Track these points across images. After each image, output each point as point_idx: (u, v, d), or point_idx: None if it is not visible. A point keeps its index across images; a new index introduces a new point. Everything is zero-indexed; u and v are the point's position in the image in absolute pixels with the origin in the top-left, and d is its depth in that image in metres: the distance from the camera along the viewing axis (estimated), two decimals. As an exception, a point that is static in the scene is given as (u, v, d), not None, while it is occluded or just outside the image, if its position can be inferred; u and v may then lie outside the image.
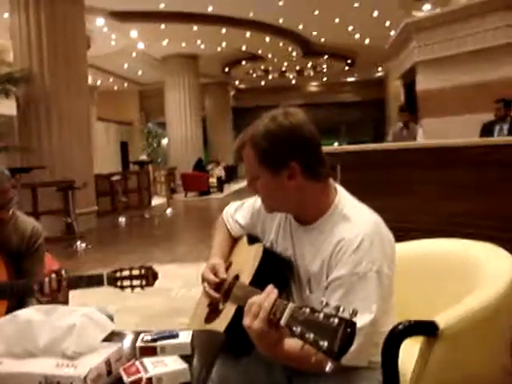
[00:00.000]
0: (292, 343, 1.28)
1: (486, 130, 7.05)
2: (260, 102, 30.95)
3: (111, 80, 23.49)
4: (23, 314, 1.55)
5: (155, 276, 2.16)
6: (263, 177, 1.61)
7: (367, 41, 19.69)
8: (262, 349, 1.35)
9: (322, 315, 1.12)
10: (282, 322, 1.22)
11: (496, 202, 4.24)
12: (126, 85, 25.31)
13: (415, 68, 10.17)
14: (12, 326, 1.51)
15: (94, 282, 2.18)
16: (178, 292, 5.32)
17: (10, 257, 2.31)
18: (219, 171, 20.22)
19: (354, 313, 1.10)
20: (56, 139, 9.91)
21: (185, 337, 1.56)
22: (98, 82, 22.41)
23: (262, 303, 1.30)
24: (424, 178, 4.67)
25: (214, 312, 1.82)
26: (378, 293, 1.50)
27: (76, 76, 10.32)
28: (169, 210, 13.35)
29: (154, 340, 1.54)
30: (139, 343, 1.54)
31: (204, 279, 1.85)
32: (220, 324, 1.70)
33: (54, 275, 2.11)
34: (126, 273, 2.16)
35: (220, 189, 19.78)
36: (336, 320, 1.08)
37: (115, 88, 25.47)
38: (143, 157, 20.66)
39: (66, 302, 2.18)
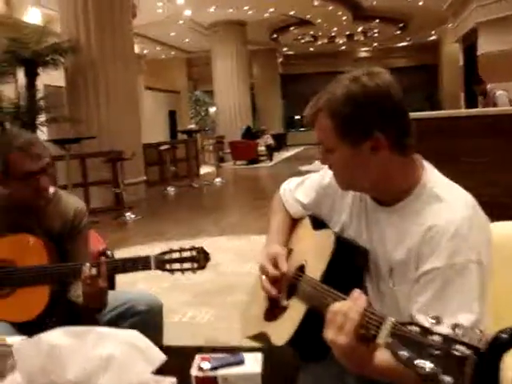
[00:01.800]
0: (387, 357, 1.02)
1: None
2: (308, 68, 30.51)
3: (158, 49, 23.35)
4: (49, 337, 1.28)
5: (207, 258, 2.01)
6: (341, 150, 1.36)
7: (421, 2, 18.86)
8: (348, 366, 1.12)
9: (438, 338, 0.87)
10: (380, 340, 0.98)
11: None
12: (173, 53, 25.15)
13: (476, 30, 9.55)
14: (35, 352, 1.24)
15: (140, 265, 2.02)
16: (228, 267, 5.14)
17: (53, 239, 2.14)
18: (268, 139, 19.92)
19: (482, 337, 0.85)
20: (104, 109, 9.85)
21: (253, 363, 1.31)
22: (145, 51, 22.30)
23: (348, 313, 1.07)
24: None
25: (275, 308, 1.58)
26: (478, 288, 1.24)
27: (122, 45, 10.20)
28: (217, 180, 13.21)
29: (214, 368, 1.28)
30: (195, 372, 1.30)
31: (262, 270, 1.61)
32: (285, 325, 1.46)
33: (88, 265, 1.93)
34: (175, 255, 2.00)
35: (269, 157, 19.52)
36: (462, 348, 0.83)
37: (162, 57, 25.35)
38: (191, 125, 20.55)
39: (108, 287, 2.00)
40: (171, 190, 11.54)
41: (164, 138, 22.32)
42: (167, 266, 2.00)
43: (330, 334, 1.10)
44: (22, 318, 2.02)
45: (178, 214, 8.93)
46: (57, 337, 1.26)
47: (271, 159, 19.46)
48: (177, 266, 2.00)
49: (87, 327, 1.30)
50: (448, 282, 1.24)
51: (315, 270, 1.46)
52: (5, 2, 13.53)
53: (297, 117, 33.98)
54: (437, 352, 0.85)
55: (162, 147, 12.29)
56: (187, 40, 22.91)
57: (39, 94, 10.13)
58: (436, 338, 0.87)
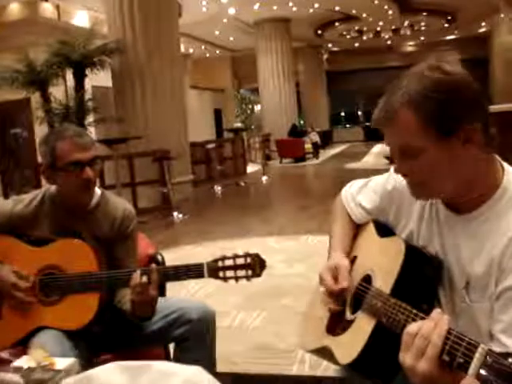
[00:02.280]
0: None
1: None
2: (354, 64, 30.16)
3: (203, 47, 23.41)
4: (99, 374, 1.15)
5: (263, 265, 1.92)
6: (428, 150, 1.19)
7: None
8: None
9: None
10: (470, 372, 0.84)
11: None
12: (218, 52, 25.18)
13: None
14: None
15: (193, 273, 1.92)
16: (278, 268, 5.03)
17: (100, 243, 2.07)
18: (314, 136, 19.73)
19: None
20: (151, 109, 9.88)
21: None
22: (190, 50, 22.39)
23: (429, 336, 0.94)
24: None
25: (339, 321, 1.46)
26: None
27: (168, 45, 10.22)
28: (264, 178, 13.12)
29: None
30: None
31: (321, 281, 1.48)
32: (352, 342, 1.33)
33: (139, 272, 1.85)
34: (228, 262, 1.91)
35: (315, 154, 19.33)
36: None
37: (207, 55, 25.41)
38: (238, 124, 20.55)
39: (158, 294, 1.91)
40: (218, 188, 11.51)
41: (210, 136, 22.35)
42: (221, 274, 1.92)
43: (408, 359, 0.97)
44: (70, 326, 1.95)
45: (226, 213, 8.87)
46: (109, 374, 1.13)
47: (317, 157, 19.27)
48: (230, 273, 1.91)
49: (145, 362, 1.16)
50: None
51: (383, 281, 1.34)
52: (54, 7, 13.79)
53: (342, 113, 33.68)
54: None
55: (209, 146, 12.28)
56: (232, 38, 22.89)
57: (87, 95, 10.23)
58: None
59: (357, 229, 1.62)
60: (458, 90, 1.17)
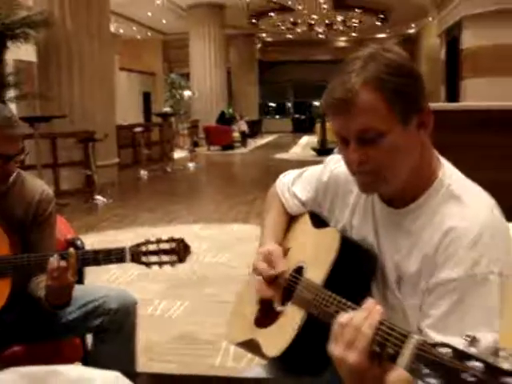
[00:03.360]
0: (400, 379, 0.85)
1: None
2: (287, 56, 30.34)
3: (134, 29, 22.86)
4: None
5: (187, 250, 1.84)
6: (390, 132, 1.13)
7: (403, -6, 18.77)
8: None
9: (479, 365, 0.70)
10: (401, 362, 0.80)
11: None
12: (149, 34, 24.68)
13: (460, 24, 9.42)
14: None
15: (114, 257, 1.83)
16: (203, 257, 4.95)
17: (14, 227, 1.91)
18: (243, 125, 19.71)
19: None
20: (77, 88, 9.51)
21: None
22: (121, 31, 21.82)
23: (360, 326, 0.89)
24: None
25: (268, 313, 1.40)
26: (499, 303, 1.09)
27: (98, 22, 9.86)
28: (191, 164, 12.99)
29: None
30: None
31: (255, 270, 1.41)
32: (280, 335, 1.28)
33: (57, 256, 1.72)
34: (152, 247, 1.82)
35: (244, 143, 19.34)
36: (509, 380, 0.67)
37: (138, 37, 24.85)
38: (167, 108, 20.21)
39: (77, 281, 1.79)
40: (144, 173, 11.27)
41: (138, 120, 21.92)
42: (144, 259, 1.82)
43: (337, 349, 0.92)
44: (-23, 315, 1.80)
45: (151, 198, 8.69)
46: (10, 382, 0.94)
47: (246, 146, 19.28)
48: (154, 258, 1.82)
49: (51, 368, 1.00)
50: (465, 295, 1.08)
51: (316, 272, 1.29)
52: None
53: (272, 104, 33.87)
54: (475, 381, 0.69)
55: (136, 129, 12.00)
56: (164, 21, 22.48)
57: (8, 69, 9.72)
58: (476, 364, 0.70)
59: (291, 219, 1.56)
60: (412, 72, 1.15)
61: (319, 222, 1.44)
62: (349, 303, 1.09)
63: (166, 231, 6.00)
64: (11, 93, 9.62)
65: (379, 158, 1.15)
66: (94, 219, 6.99)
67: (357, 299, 1.09)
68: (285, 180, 1.61)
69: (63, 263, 1.72)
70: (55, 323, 1.99)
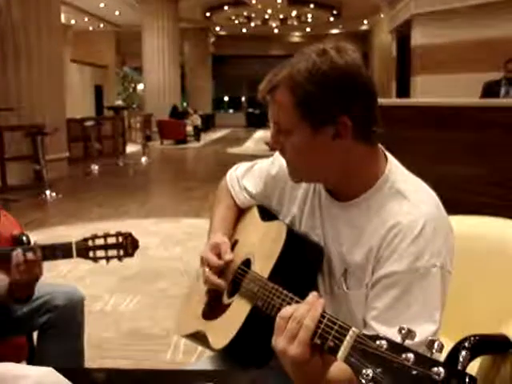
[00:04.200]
0: (343, 374, 0.88)
1: (489, 91, 6.52)
2: (240, 50, 30.35)
3: (86, 20, 22.45)
4: None
5: (135, 244, 1.84)
6: (299, 132, 1.18)
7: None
8: (296, 380, 0.95)
9: (411, 356, 0.73)
10: (340, 354, 0.83)
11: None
12: (101, 26, 24.27)
13: (411, 21, 9.60)
14: None
15: (61, 252, 1.81)
16: (154, 251, 4.91)
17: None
18: (196, 119, 19.61)
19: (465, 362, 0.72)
20: (25, 79, 9.25)
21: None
22: (72, 22, 21.40)
23: (302, 319, 0.91)
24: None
25: (215, 305, 1.41)
26: (440, 296, 1.13)
27: (47, 11, 9.59)
28: (144, 159, 12.86)
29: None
30: None
31: (204, 261, 1.42)
32: (226, 327, 1.29)
33: (20, 250, 1.70)
34: (99, 241, 1.82)
35: (197, 137, 19.25)
36: (441, 371, 0.70)
37: (90, 29, 24.42)
38: (119, 102, 19.95)
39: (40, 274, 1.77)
40: (95, 167, 11.07)
41: (89, 113, 21.56)
42: (91, 254, 1.81)
43: (279, 342, 0.93)
44: None
45: (102, 193, 8.54)
46: None
47: (199, 140, 19.20)
48: (101, 253, 1.82)
49: None
50: (409, 287, 1.11)
51: (262, 265, 1.30)
52: None
53: (226, 98, 33.83)
54: (412, 375, 0.72)
55: (87, 123, 11.78)
56: (117, 13, 22.15)
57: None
58: (409, 355, 0.73)
59: (240, 213, 1.57)
60: (338, 80, 1.14)
61: (268, 215, 1.45)
62: (293, 296, 1.10)
63: (116, 226, 5.86)
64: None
65: (288, 150, 1.23)
66: (44, 215, 6.84)
67: (303, 291, 1.10)
68: (235, 173, 1.61)
69: (31, 256, 1.70)
70: (0, 321, 1.94)
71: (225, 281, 1.39)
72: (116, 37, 26.65)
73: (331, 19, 24.84)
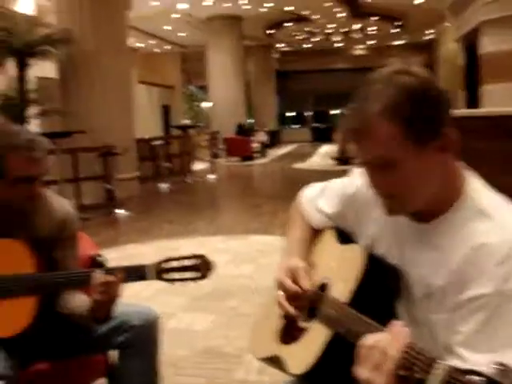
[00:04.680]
0: None
1: None
2: (304, 65, 30.38)
3: (152, 42, 23.09)
4: None
5: (209, 266, 1.88)
6: (406, 161, 1.11)
7: (418, 1, 18.67)
8: None
9: None
10: None
11: None
12: (167, 47, 24.89)
13: (479, 29, 9.32)
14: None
15: (138, 274, 1.83)
16: (224, 269, 4.93)
17: (39, 246, 1.92)
18: (262, 136, 19.72)
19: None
20: (97, 103, 9.61)
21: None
22: (139, 45, 22.03)
23: (387, 349, 0.88)
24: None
25: (292, 329, 1.39)
26: None
27: (117, 37, 10.01)
28: (211, 176, 13.02)
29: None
30: None
31: (279, 285, 1.40)
32: (304, 352, 1.27)
33: (100, 271, 1.78)
34: (174, 263, 1.86)
35: (263, 154, 19.34)
36: None
37: (156, 51, 25.08)
38: (186, 121, 20.31)
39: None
40: (164, 186, 11.32)
41: (157, 133, 22.06)
42: (166, 276, 1.86)
43: (363, 372, 0.91)
44: (2, 334, 1.81)
45: (171, 211, 8.71)
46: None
47: (265, 156, 19.28)
48: (176, 275, 1.86)
49: None
50: (497, 311, 1.06)
51: (341, 290, 1.27)
52: (-4, -8, 13.28)
53: (290, 114, 33.88)
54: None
55: (156, 142, 12.07)
56: (182, 34, 22.66)
57: (30, 86, 9.87)
58: None
59: (316, 234, 1.54)
60: (429, 93, 1.11)
61: (344, 237, 1.43)
62: (375, 324, 1.08)
63: (186, 244, 6.04)
64: (34, 109, 9.77)
65: (395, 184, 1.15)
66: (115, 233, 7.02)
67: (382, 317, 1.08)
68: (309, 193, 1.59)
69: (110, 278, 1.74)
70: (80, 340, 2.00)
71: (300, 306, 1.37)
72: (181, 57, 27.25)
73: (394, 30, 24.52)
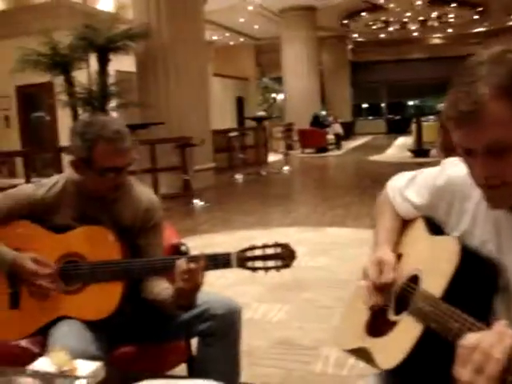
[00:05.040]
0: None
1: None
2: (379, 56, 29.83)
3: (227, 35, 23.28)
4: None
5: (293, 255, 1.87)
6: None
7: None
8: None
9: None
10: None
11: None
12: (241, 40, 25.03)
13: None
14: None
15: (221, 262, 1.86)
16: (300, 260, 4.89)
17: (123, 233, 1.97)
18: (337, 127, 19.52)
19: None
20: (173, 95, 9.80)
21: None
22: (214, 38, 22.27)
23: (491, 351, 0.83)
24: None
25: (380, 321, 1.35)
26: None
27: (193, 31, 10.13)
28: (286, 168, 13.01)
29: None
30: None
31: (366, 276, 1.37)
32: (395, 346, 1.23)
33: (184, 259, 1.78)
34: (258, 252, 1.85)
35: (338, 146, 19.15)
36: None
37: (231, 43, 25.27)
38: (261, 112, 20.38)
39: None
40: (239, 177, 11.43)
41: (231, 124, 22.26)
42: (249, 264, 1.86)
43: (465, 374, 0.86)
44: (92, 317, 1.88)
45: (247, 202, 8.78)
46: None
47: (340, 148, 19.09)
48: (260, 263, 1.86)
49: (170, 381, 1.03)
50: None
51: (434, 283, 1.22)
52: (79, -10, 13.77)
53: (365, 105, 33.38)
54: None
55: (231, 134, 12.19)
56: (256, 26, 22.72)
57: (110, 80, 10.18)
58: None
59: (404, 224, 1.50)
60: None
61: (434, 227, 1.37)
62: (473, 321, 1.02)
63: (262, 234, 6.06)
64: (113, 102, 10.07)
65: (510, 171, 1.07)
66: (192, 223, 7.14)
67: (479, 313, 1.03)
68: (397, 184, 1.54)
69: (193, 265, 1.75)
70: (164, 326, 2.03)
71: (388, 297, 1.33)
72: (255, 49, 27.32)
73: (475, 17, 23.63)
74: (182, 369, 2.27)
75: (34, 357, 1.93)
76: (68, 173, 2.05)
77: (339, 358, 2.92)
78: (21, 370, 1.15)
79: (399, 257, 1.41)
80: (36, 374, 1.12)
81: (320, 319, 3.55)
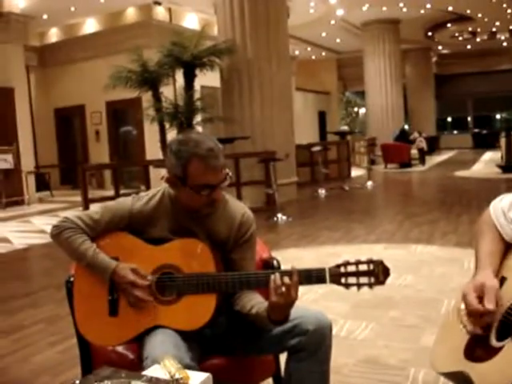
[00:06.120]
0: None
1: None
2: (465, 67, 28.97)
3: (309, 49, 23.34)
4: None
5: (386, 272, 1.86)
6: None
7: None
8: None
9: None
10: None
11: None
12: (323, 54, 25.04)
13: None
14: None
15: (315, 277, 1.85)
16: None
17: (217, 246, 2.02)
18: (421, 142, 19.08)
19: None
20: (258, 109, 9.93)
21: None
22: (296, 52, 22.40)
23: None
24: None
25: (481, 346, 1.31)
26: None
27: (277, 46, 10.24)
28: (369, 183, 12.85)
29: None
30: None
31: (464, 300, 1.34)
32: (500, 371, 1.19)
33: (278, 274, 1.81)
34: (351, 268, 1.84)
35: (422, 161, 18.70)
36: None
37: (313, 57, 25.32)
38: (343, 127, 20.26)
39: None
40: (322, 191, 11.39)
41: (313, 139, 22.27)
42: (343, 280, 1.85)
43: None
44: (186, 327, 1.93)
45: (330, 217, 8.72)
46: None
47: (424, 163, 18.63)
48: (353, 280, 1.85)
49: None
50: None
51: None
52: (166, 10, 14.29)
53: (449, 119, 32.46)
54: None
55: (314, 148, 12.18)
56: (338, 40, 22.67)
57: (196, 95, 10.44)
58: None
59: (507, 247, 1.45)
60: None
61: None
62: None
63: (346, 250, 6.00)
64: (199, 117, 10.33)
65: None
66: (276, 237, 7.17)
67: None
68: (500, 204, 1.51)
69: (288, 280, 1.77)
70: (254, 340, 2.05)
71: (483, 324, 1.29)
72: (337, 63, 27.25)
73: None
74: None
75: (129, 363, 2.02)
76: (165, 186, 2.12)
77: (427, 380, 2.85)
78: (137, 375, 1.21)
79: (502, 280, 1.37)
80: (152, 381, 1.17)
81: (406, 339, 3.47)
